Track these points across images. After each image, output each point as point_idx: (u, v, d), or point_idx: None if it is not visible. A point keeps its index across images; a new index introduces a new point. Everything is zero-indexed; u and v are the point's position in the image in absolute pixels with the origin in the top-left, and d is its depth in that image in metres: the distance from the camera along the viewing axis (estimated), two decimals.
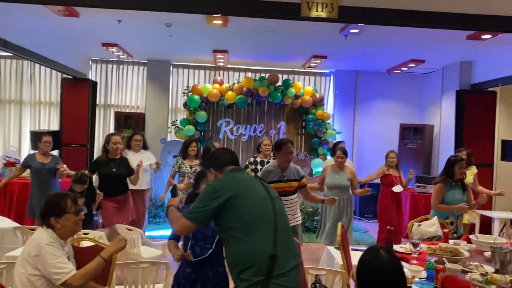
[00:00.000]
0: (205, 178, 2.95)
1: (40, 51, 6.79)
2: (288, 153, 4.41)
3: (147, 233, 6.56)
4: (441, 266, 2.78)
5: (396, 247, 3.65)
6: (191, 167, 5.72)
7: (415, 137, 8.93)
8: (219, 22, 5.62)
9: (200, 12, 4.05)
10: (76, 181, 5.00)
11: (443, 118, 8.68)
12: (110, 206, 5.30)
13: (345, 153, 5.71)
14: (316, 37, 6.67)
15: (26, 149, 9.21)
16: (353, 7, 3.68)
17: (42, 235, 2.57)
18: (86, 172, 5.35)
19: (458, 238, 4.35)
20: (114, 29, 6.51)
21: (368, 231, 8.04)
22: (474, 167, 6.16)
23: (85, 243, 3.46)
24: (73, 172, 5.92)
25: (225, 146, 8.95)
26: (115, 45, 7.64)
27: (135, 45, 7.91)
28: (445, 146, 8.51)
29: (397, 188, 6.32)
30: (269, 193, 2.44)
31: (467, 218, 5.88)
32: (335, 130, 9.10)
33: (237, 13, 3.79)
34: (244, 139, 9.10)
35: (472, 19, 3.86)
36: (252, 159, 5.93)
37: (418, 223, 4.38)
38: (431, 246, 3.41)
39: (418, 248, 3.42)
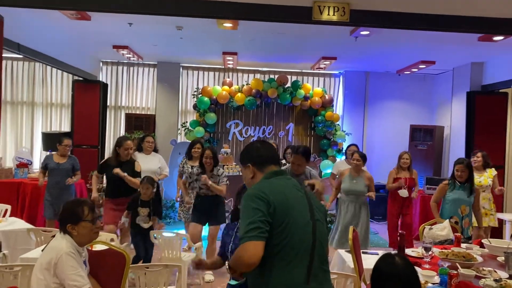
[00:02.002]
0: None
1: (52, 53, 6.88)
2: (295, 164, 4.43)
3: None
4: (455, 272, 2.78)
5: (407, 251, 3.65)
6: (192, 168, 5.62)
7: (425, 139, 8.89)
8: (229, 25, 5.64)
9: (212, 16, 4.08)
10: (144, 183, 4.81)
11: (453, 120, 8.63)
12: (110, 207, 5.28)
13: (362, 157, 5.61)
14: (325, 39, 6.67)
15: (38, 150, 9.31)
16: (364, 11, 3.68)
17: (61, 243, 2.59)
18: (95, 173, 5.41)
19: (466, 239, 4.44)
20: (125, 32, 6.56)
21: (378, 233, 8.02)
22: (494, 169, 6.04)
23: (98, 247, 3.49)
24: (75, 179, 6.06)
25: (233, 148, 8.98)
26: (125, 47, 7.70)
27: (146, 47, 7.96)
28: (455, 148, 8.46)
29: (403, 193, 6.25)
30: (313, 213, 2.09)
31: (486, 222, 5.77)
32: (344, 131, 9.08)
33: (248, 18, 3.80)
34: (253, 140, 9.12)
35: (484, 23, 3.83)
36: None
37: (429, 226, 4.36)
38: (443, 250, 3.40)
39: (430, 253, 3.41)
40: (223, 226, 6.48)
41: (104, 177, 5.88)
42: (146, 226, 4.79)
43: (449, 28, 3.80)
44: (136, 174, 5.35)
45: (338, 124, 9.07)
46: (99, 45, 7.79)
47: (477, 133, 7.72)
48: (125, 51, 7.88)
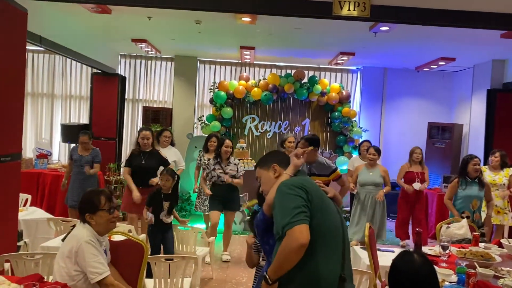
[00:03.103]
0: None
1: (72, 46, 6.96)
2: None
3: None
4: (473, 271, 2.75)
5: (424, 249, 3.62)
6: (208, 160, 5.92)
7: (443, 136, 8.78)
8: (248, 19, 5.65)
9: (233, 11, 4.09)
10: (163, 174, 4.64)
11: (473, 117, 8.50)
12: (130, 195, 5.42)
13: (377, 151, 5.79)
14: (344, 34, 6.62)
15: (57, 142, 9.46)
16: (385, 6, 3.64)
17: (82, 232, 2.65)
18: (127, 170, 5.52)
19: (479, 227, 4.55)
20: (144, 25, 6.61)
21: (392, 230, 7.95)
22: (511, 168, 6.02)
23: (117, 237, 3.55)
24: (95, 170, 6.20)
25: (249, 143, 9.00)
26: (144, 41, 7.76)
27: (164, 41, 8.02)
28: (474, 146, 8.33)
29: (417, 185, 6.38)
30: (336, 207, 2.19)
31: (499, 219, 5.80)
32: (361, 128, 9.02)
33: (269, 12, 3.80)
34: (269, 135, 9.13)
35: (508, 19, 3.76)
36: None
37: (446, 225, 4.32)
38: (461, 249, 3.37)
39: (447, 251, 3.38)
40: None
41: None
42: (169, 220, 4.61)
43: (470, 24, 3.74)
44: (166, 162, 5.57)
45: (355, 120, 9.01)
46: (118, 38, 7.86)
47: (496, 131, 7.60)
48: (143, 45, 7.94)
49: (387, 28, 5.69)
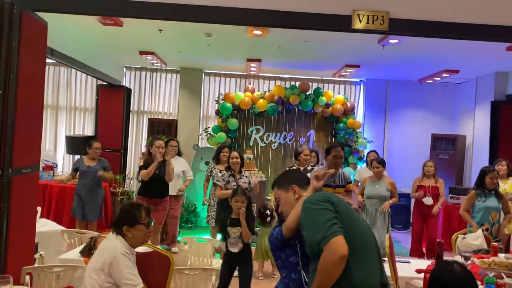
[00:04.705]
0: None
1: (81, 58, 6.98)
2: (338, 157, 4.44)
3: (179, 239, 6.66)
4: (501, 281, 2.77)
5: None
6: (220, 171, 5.88)
7: (447, 148, 8.85)
8: (259, 32, 5.72)
9: (250, 24, 4.14)
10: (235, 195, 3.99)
11: (476, 129, 8.59)
12: None
13: (381, 163, 5.77)
14: (352, 47, 6.70)
15: (61, 154, 9.43)
16: (404, 20, 3.71)
17: (116, 243, 2.65)
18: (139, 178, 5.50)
19: (494, 238, 4.53)
20: (153, 38, 6.66)
21: (399, 241, 7.98)
22: None
23: (139, 249, 3.54)
24: (108, 175, 6.16)
25: (255, 154, 9.02)
26: (152, 53, 7.80)
27: (171, 53, 8.06)
28: (478, 157, 8.41)
29: (427, 201, 6.27)
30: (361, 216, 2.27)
31: (510, 229, 5.80)
32: (366, 139, 9.08)
33: (287, 26, 3.85)
34: (274, 146, 9.16)
35: None
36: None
37: (462, 235, 4.35)
38: (484, 260, 3.39)
39: (469, 262, 3.40)
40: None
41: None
42: (236, 250, 3.91)
43: (490, 38, 3.81)
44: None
45: (360, 132, 9.08)
46: (125, 50, 7.91)
47: (502, 142, 7.68)
48: (150, 57, 7.99)
49: (396, 40, 5.78)
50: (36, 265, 4.05)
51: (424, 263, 4.01)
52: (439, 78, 8.57)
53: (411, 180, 6.75)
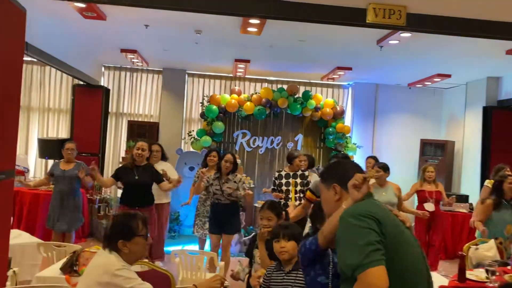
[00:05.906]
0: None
1: (57, 54, 6.48)
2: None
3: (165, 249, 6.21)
4: None
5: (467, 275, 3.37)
6: (208, 177, 5.46)
7: (436, 153, 8.72)
8: (254, 29, 5.38)
9: (260, 16, 3.81)
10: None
11: (466, 135, 8.49)
12: None
13: (383, 167, 5.43)
14: (347, 48, 6.47)
15: (33, 158, 8.82)
16: (422, 15, 3.45)
17: (110, 259, 2.25)
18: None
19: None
20: (138, 34, 6.25)
21: None
22: None
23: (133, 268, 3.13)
24: (90, 180, 5.59)
25: (242, 158, 8.64)
26: (134, 51, 7.35)
27: (154, 52, 7.65)
28: (468, 163, 8.31)
29: (428, 206, 6.07)
30: (414, 238, 1.85)
31: None
32: (355, 144, 8.86)
33: (297, 18, 3.54)
34: (261, 151, 8.82)
35: None
36: (277, 174, 5.63)
37: (474, 246, 4.11)
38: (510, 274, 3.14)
39: (494, 276, 3.14)
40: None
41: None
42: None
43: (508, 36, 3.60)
44: (160, 177, 5.19)
45: (349, 136, 8.85)
46: (106, 48, 7.44)
47: (494, 148, 7.58)
48: (132, 56, 7.53)
49: (396, 41, 5.55)
50: (9, 284, 3.57)
51: (438, 278, 3.68)
52: (429, 83, 8.44)
53: (400, 185, 6.42)
